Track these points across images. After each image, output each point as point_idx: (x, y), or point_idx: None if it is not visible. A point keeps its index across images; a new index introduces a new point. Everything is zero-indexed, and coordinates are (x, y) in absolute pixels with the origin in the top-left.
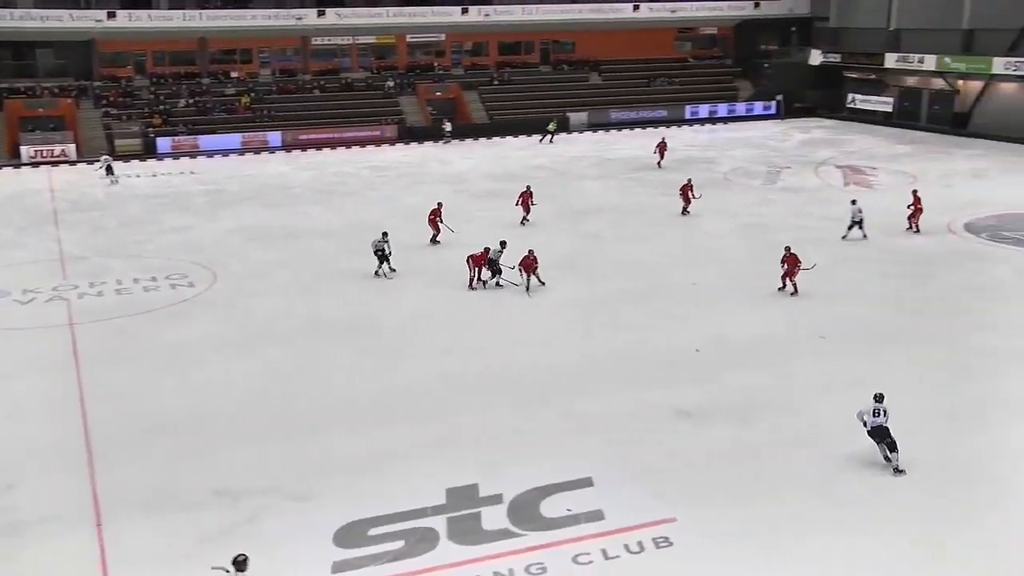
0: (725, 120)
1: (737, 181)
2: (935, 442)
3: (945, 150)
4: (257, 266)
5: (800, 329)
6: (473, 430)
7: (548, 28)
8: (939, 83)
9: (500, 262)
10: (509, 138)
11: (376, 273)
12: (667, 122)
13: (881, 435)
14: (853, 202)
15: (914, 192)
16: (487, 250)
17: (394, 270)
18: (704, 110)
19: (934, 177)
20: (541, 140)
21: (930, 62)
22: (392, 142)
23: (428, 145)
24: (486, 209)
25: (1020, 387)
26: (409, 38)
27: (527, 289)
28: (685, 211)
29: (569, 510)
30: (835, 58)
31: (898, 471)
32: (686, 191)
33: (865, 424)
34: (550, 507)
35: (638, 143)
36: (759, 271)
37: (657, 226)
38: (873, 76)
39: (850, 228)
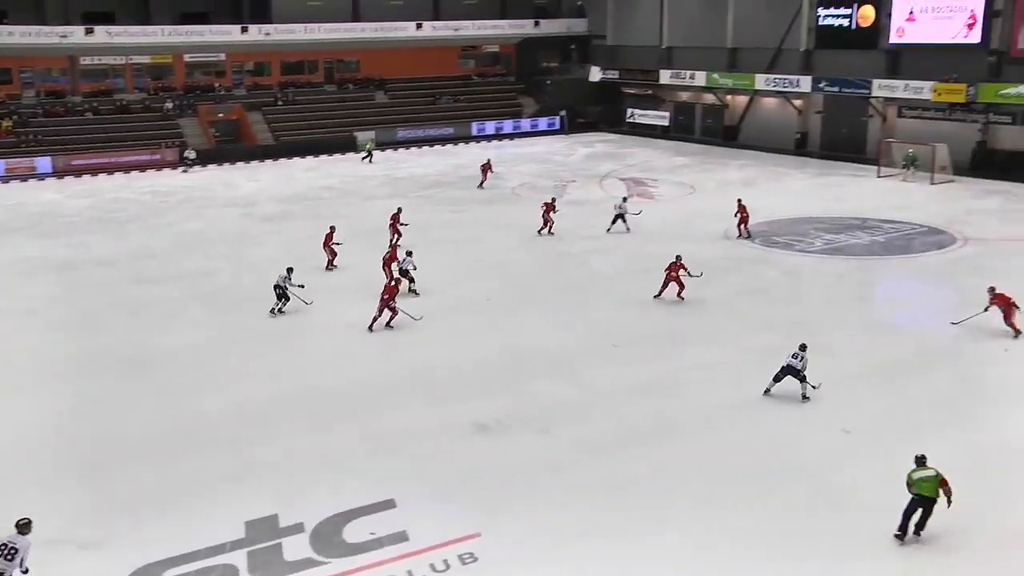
0: (511, 136)
1: (525, 196)
2: (724, 434)
3: (719, 161)
4: (30, 301)
5: (595, 337)
6: (271, 458)
7: (332, 47)
8: (710, 98)
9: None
10: (296, 159)
11: (272, 311)
12: (454, 139)
13: (790, 372)
14: (625, 199)
15: (738, 201)
16: (397, 283)
17: (309, 303)
18: (490, 127)
19: (711, 187)
20: (363, 159)
21: (700, 78)
22: (174, 166)
23: (212, 168)
24: (275, 232)
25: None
26: (187, 57)
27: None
28: (547, 231)
29: (373, 533)
30: (613, 74)
31: (806, 397)
32: (548, 211)
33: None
34: (353, 532)
35: (426, 161)
36: (551, 283)
37: (449, 243)
38: (650, 92)
39: (613, 222)
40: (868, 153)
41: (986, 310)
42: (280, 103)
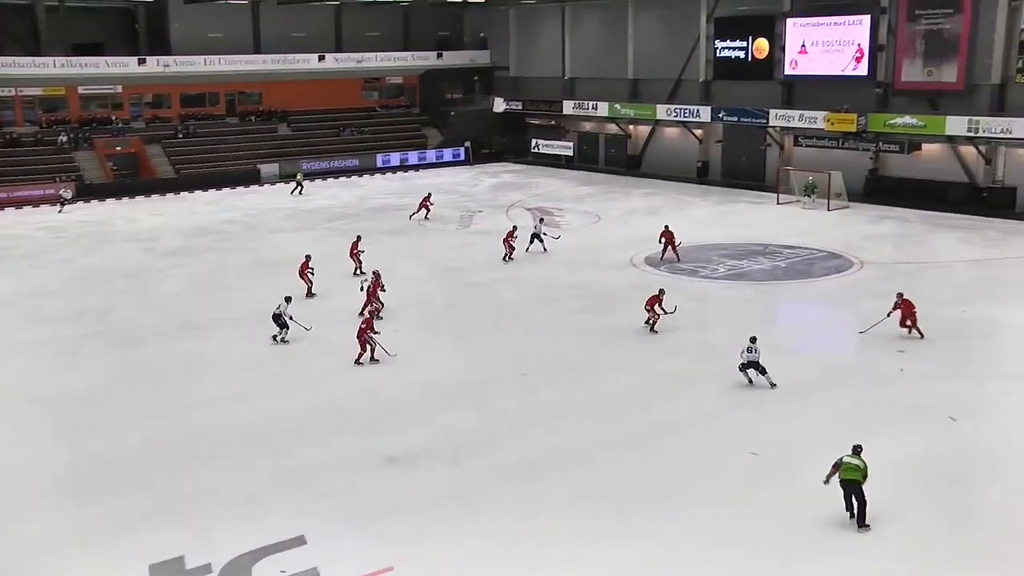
0: (416, 168)
1: (432, 227)
2: (633, 461)
3: (623, 190)
4: None
5: (505, 367)
6: (179, 497)
7: (233, 79)
8: (613, 128)
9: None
10: (198, 192)
11: (275, 338)
12: (359, 171)
13: (753, 366)
14: (540, 220)
15: (665, 226)
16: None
17: (308, 329)
18: (395, 158)
19: (615, 215)
20: (292, 192)
21: (603, 109)
22: (70, 200)
23: (111, 202)
24: (179, 266)
25: (707, 402)
26: (81, 90)
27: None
28: (509, 258)
29: (283, 572)
30: (517, 105)
31: (773, 385)
32: (508, 240)
33: (741, 357)
34: (263, 571)
35: (331, 192)
36: (460, 313)
37: (356, 276)
38: (553, 122)
39: (531, 242)
40: (767, 181)
41: (889, 315)
42: (181, 136)
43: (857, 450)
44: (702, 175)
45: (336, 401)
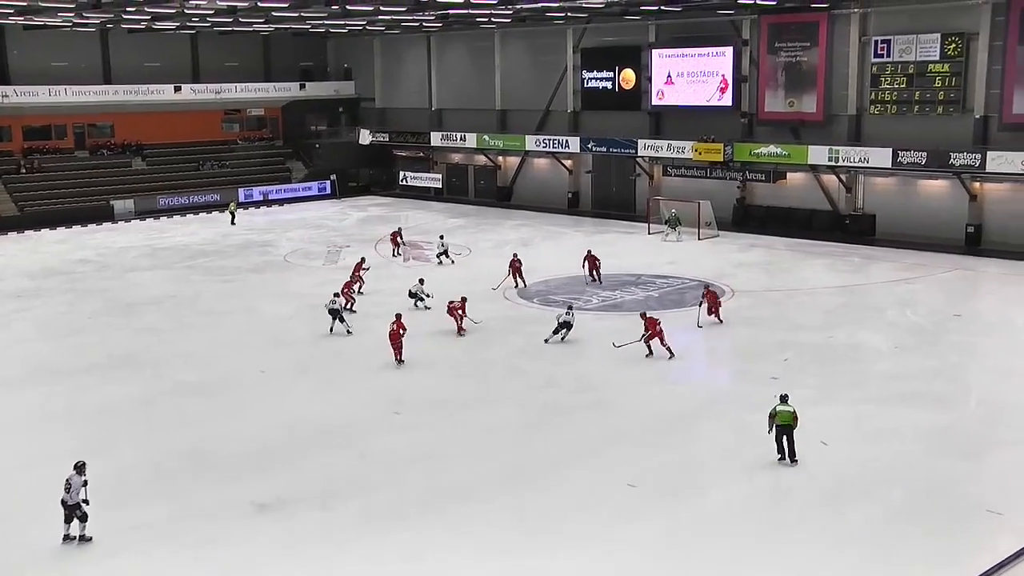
0: (281, 202)
1: (298, 263)
2: (511, 497)
3: (494, 221)
4: None
5: (376, 405)
6: (30, 556)
7: (82, 111)
8: (482, 159)
9: None
10: (45, 231)
11: (343, 324)
12: (220, 206)
13: (566, 327)
14: (442, 236)
15: (588, 251)
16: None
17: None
18: (258, 192)
19: (487, 247)
20: (232, 223)
21: (471, 140)
22: None
23: None
24: (25, 310)
25: (587, 434)
26: None
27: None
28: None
29: None
30: (384, 137)
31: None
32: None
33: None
34: None
35: (191, 229)
36: (328, 351)
37: (218, 314)
38: (421, 154)
39: (438, 256)
40: (638, 211)
41: (700, 304)
42: (24, 171)
43: (784, 399)
44: (573, 205)
45: (199, 446)
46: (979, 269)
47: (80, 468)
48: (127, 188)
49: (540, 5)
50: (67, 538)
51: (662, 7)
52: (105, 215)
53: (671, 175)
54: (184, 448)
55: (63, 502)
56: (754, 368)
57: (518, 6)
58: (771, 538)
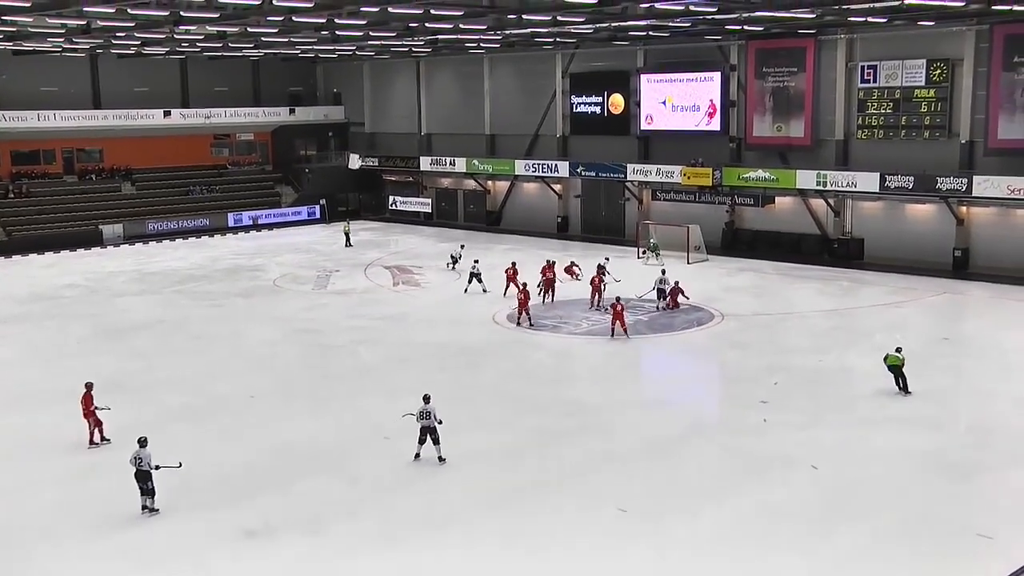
0: (270, 227)
1: (287, 287)
2: (501, 520)
3: (483, 246)
4: None
5: (365, 430)
6: None
7: (70, 135)
8: (471, 184)
9: None
10: (33, 255)
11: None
12: (210, 231)
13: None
14: (461, 245)
15: (599, 266)
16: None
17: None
18: (247, 217)
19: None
20: (346, 245)
21: (461, 164)
22: None
23: None
24: (14, 335)
25: (575, 459)
26: None
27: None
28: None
29: None
30: (373, 162)
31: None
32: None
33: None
34: None
35: (180, 254)
36: (317, 376)
37: (208, 338)
38: (411, 179)
39: (469, 282)
40: (627, 235)
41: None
42: (12, 195)
43: (899, 349)
44: (562, 230)
45: (188, 471)
46: (967, 293)
47: (143, 442)
48: (116, 213)
49: (529, 31)
50: (145, 509)
51: (650, 32)
52: (94, 240)
53: (660, 199)
54: (172, 474)
55: (136, 475)
56: (743, 392)
57: (507, 31)
58: (761, 562)
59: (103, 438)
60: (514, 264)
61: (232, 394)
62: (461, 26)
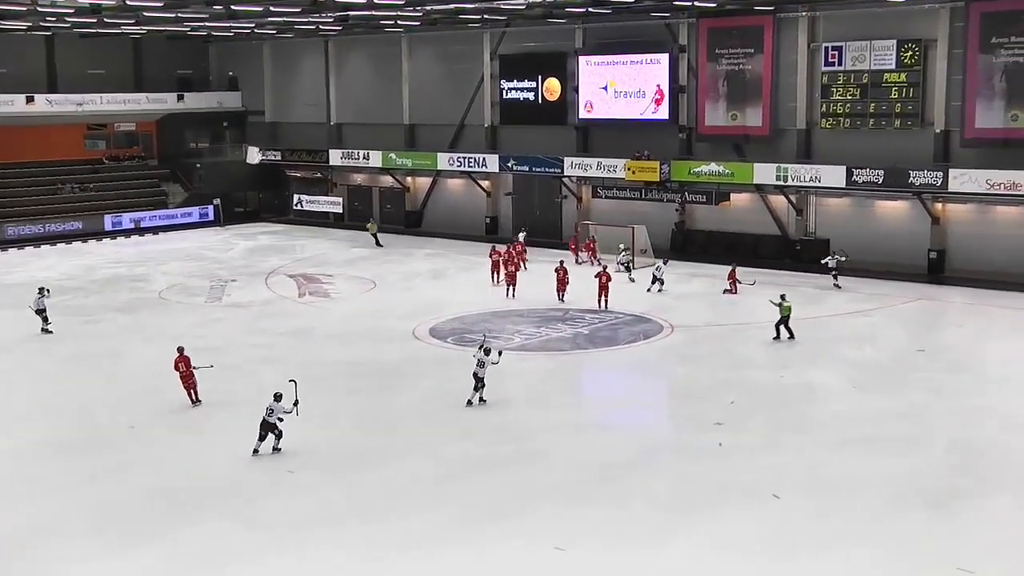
0: (155, 230)
1: (176, 300)
2: (422, 560)
3: (402, 251)
4: None
5: (269, 463)
6: None
7: None
8: (388, 180)
9: None
10: None
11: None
12: (83, 235)
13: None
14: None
15: (604, 267)
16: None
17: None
18: (128, 219)
19: (395, 280)
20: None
21: (376, 158)
22: None
23: None
24: None
25: (506, 490)
26: None
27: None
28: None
29: None
30: (275, 156)
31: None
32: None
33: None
34: None
35: (48, 263)
36: (208, 402)
37: (81, 360)
38: (319, 175)
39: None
40: (564, 237)
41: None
42: None
43: (784, 296)
44: (491, 231)
45: (56, 513)
46: (943, 299)
47: (279, 397)
48: None
49: (453, 6)
50: (256, 452)
51: (589, 9)
52: None
53: (601, 197)
54: (40, 521)
55: (262, 423)
56: (695, 412)
57: (428, 7)
58: None
59: (197, 398)
60: (495, 248)
61: (111, 425)
62: (375, 0)
